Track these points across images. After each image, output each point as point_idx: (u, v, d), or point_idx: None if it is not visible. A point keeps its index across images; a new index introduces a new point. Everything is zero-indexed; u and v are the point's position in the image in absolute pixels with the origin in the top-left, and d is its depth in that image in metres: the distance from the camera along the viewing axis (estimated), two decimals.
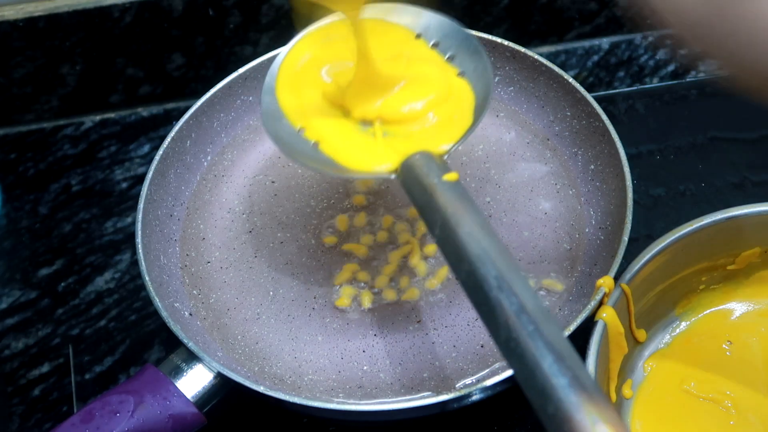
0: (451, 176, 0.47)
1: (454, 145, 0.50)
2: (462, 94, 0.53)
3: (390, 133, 0.52)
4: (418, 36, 0.55)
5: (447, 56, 0.55)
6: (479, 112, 0.52)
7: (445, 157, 0.50)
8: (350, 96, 0.52)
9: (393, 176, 0.50)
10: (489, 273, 0.42)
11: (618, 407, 0.54)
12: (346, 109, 0.52)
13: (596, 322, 0.51)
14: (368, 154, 0.51)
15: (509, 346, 0.40)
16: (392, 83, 0.52)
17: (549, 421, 0.38)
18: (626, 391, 0.54)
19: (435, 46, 0.55)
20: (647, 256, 0.53)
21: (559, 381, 0.38)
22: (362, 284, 0.59)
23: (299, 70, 0.55)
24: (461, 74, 0.54)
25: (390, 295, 0.58)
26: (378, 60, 0.51)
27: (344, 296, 0.58)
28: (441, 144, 0.50)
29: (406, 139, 0.51)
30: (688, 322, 0.58)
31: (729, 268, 0.57)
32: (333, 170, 0.51)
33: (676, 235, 0.54)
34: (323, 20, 0.56)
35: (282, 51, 0.56)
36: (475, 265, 0.43)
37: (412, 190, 0.48)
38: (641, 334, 0.56)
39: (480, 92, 0.53)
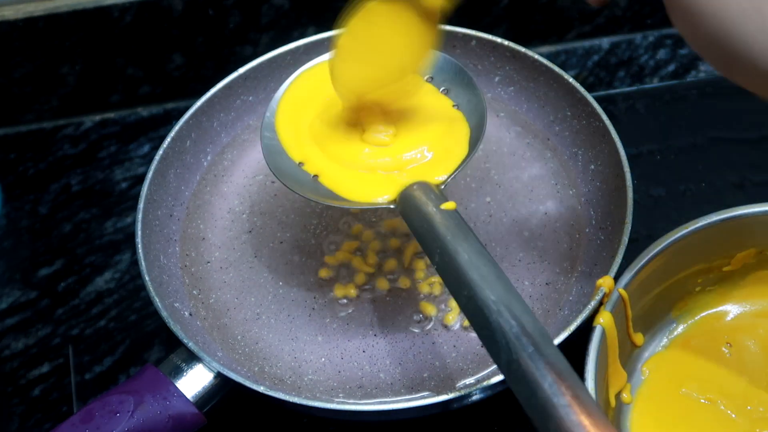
0: (448, 205, 0.49)
1: (450, 176, 0.52)
2: (458, 126, 0.55)
3: (388, 164, 0.53)
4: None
5: (441, 89, 0.57)
6: (474, 143, 0.54)
7: (442, 187, 0.52)
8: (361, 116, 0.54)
9: (393, 206, 0.51)
10: (488, 297, 0.44)
11: (617, 412, 0.54)
12: (353, 124, 0.54)
13: (594, 327, 0.51)
14: (367, 186, 0.52)
15: (510, 368, 0.42)
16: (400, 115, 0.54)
17: None
18: (624, 395, 0.54)
19: (430, 80, 0.57)
20: (644, 260, 0.53)
21: (559, 400, 0.40)
22: (365, 286, 0.59)
23: (298, 105, 0.56)
24: (456, 106, 0.56)
25: (385, 285, 0.58)
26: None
27: (344, 292, 0.59)
28: (438, 174, 0.52)
29: (406, 161, 0.53)
30: (685, 325, 0.58)
31: (725, 269, 0.57)
32: (333, 202, 0.52)
33: (672, 237, 0.54)
34: (321, 58, 0.58)
35: (282, 86, 0.57)
36: (475, 290, 0.45)
37: (411, 219, 0.50)
38: (639, 338, 0.56)
39: (474, 124, 0.55)
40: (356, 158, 0.53)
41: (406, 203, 0.51)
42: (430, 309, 0.58)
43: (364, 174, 0.53)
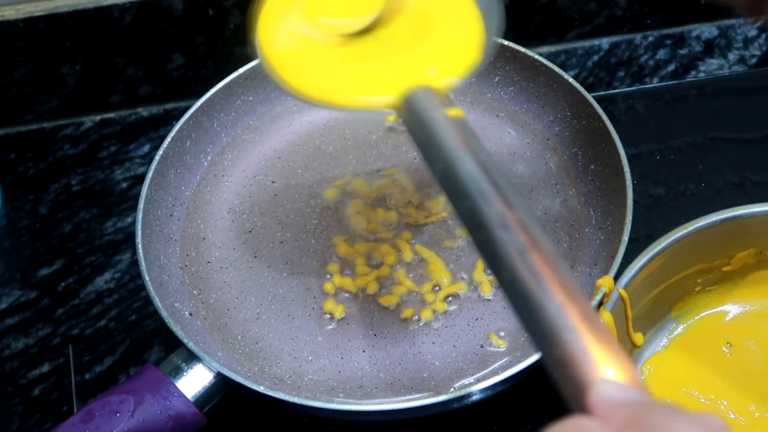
0: (455, 111, 0.45)
1: (459, 81, 0.48)
2: (472, 21, 0.50)
3: (389, 44, 0.49)
4: None
5: None
6: (486, 50, 0.49)
7: (450, 93, 0.47)
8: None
9: (392, 111, 0.48)
10: (494, 211, 0.40)
11: None
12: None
13: None
14: (367, 85, 0.48)
15: (514, 287, 0.38)
16: None
17: (555, 366, 0.35)
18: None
19: None
20: (644, 260, 0.53)
21: (566, 324, 0.35)
22: (364, 286, 0.59)
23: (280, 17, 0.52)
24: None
25: (389, 299, 0.59)
26: None
27: (337, 299, 0.59)
28: (445, 77, 0.48)
29: (407, 58, 0.48)
30: (684, 325, 0.58)
31: (724, 269, 0.57)
32: (328, 102, 0.48)
33: (672, 237, 0.54)
34: None
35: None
36: (477, 201, 0.41)
37: (412, 125, 0.46)
38: (638, 338, 0.56)
39: (489, 29, 0.50)
40: (351, 59, 0.49)
41: (408, 108, 0.46)
42: (430, 309, 0.58)
43: (360, 75, 0.48)
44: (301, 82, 0.49)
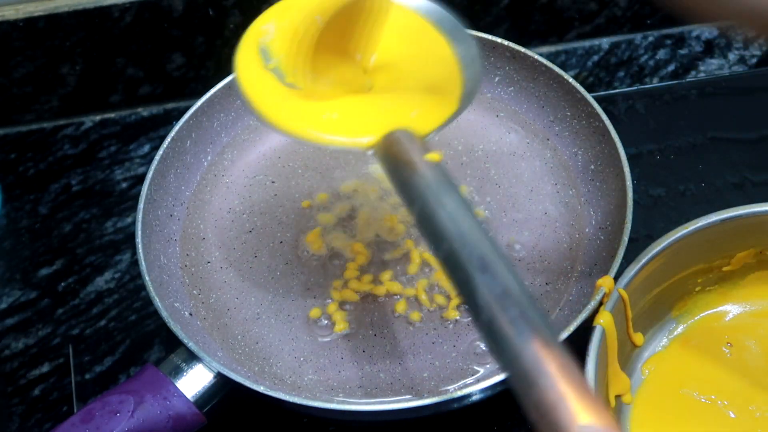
0: (433, 156, 0.45)
1: (437, 128, 0.49)
2: (451, 75, 0.51)
3: (375, 91, 0.50)
4: None
5: None
6: (466, 100, 0.50)
7: (427, 139, 0.48)
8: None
9: (371, 152, 0.48)
10: (472, 254, 0.41)
11: (617, 412, 0.54)
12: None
13: (594, 327, 0.51)
14: (347, 124, 0.49)
15: (491, 330, 0.39)
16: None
17: (532, 408, 0.37)
18: (624, 395, 0.54)
19: None
20: (644, 260, 0.53)
21: (543, 369, 0.37)
22: (364, 286, 0.59)
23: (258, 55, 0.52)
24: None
25: (386, 290, 0.59)
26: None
27: (342, 295, 0.59)
28: (424, 124, 0.48)
29: (390, 106, 0.49)
30: (684, 325, 0.58)
31: (724, 269, 0.57)
32: (310, 137, 0.49)
33: (672, 238, 0.54)
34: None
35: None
36: (457, 244, 0.41)
37: (390, 166, 0.47)
38: (638, 338, 0.56)
39: (468, 80, 0.51)
40: (331, 106, 0.49)
41: (386, 149, 0.47)
42: (430, 309, 0.58)
43: (341, 117, 0.49)
44: (278, 116, 0.49)
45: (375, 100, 0.50)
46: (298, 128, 0.49)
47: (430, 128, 0.48)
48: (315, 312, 0.58)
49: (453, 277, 0.42)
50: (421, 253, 0.60)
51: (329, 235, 0.61)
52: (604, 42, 0.76)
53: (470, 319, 0.57)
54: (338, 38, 0.50)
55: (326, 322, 0.58)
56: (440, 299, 0.58)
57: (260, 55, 0.51)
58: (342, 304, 0.58)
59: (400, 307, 0.58)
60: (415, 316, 0.58)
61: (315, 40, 0.49)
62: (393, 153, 0.46)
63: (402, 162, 0.46)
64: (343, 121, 0.49)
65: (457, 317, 0.57)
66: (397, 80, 0.51)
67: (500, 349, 0.39)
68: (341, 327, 0.58)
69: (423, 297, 0.58)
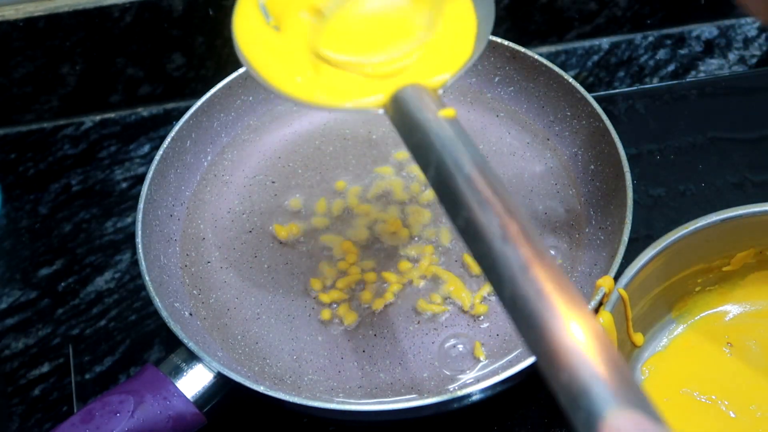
0: (447, 112, 0.42)
1: (450, 78, 0.45)
2: (466, 14, 0.47)
3: (377, 38, 0.47)
4: None
5: None
6: (480, 43, 0.46)
7: (441, 91, 0.45)
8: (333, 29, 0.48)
9: (381, 111, 0.45)
10: (492, 221, 0.37)
11: None
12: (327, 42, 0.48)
13: None
14: (351, 87, 0.46)
15: (515, 304, 0.35)
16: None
17: (562, 391, 0.33)
18: None
19: None
20: (644, 260, 0.53)
21: (574, 346, 0.33)
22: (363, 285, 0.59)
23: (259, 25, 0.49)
24: None
25: (386, 290, 0.59)
26: None
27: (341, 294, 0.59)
28: (435, 75, 0.45)
29: (398, 59, 0.46)
30: (684, 325, 0.58)
31: (724, 269, 0.57)
32: (315, 101, 0.46)
33: (672, 237, 0.54)
34: None
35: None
36: (476, 212, 0.38)
37: (403, 127, 0.43)
38: (638, 338, 0.56)
39: (482, 19, 0.47)
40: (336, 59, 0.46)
41: (397, 108, 0.43)
42: (431, 308, 0.58)
43: (347, 74, 0.46)
44: (284, 82, 0.47)
45: (381, 54, 0.46)
46: (304, 94, 0.46)
47: (443, 80, 0.45)
48: (315, 312, 0.58)
49: (472, 248, 0.39)
50: (422, 253, 0.60)
51: (330, 236, 0.61)
52: (604, 42, 0.76)
53: (470, 319, 0.57)
54: None
55: (326, 322, 0.58)
56: (441, 300, 0.58)
57: (260, 12, 0.48)
58: (342, 304, 0.58)
59: (401, 307, 0.58)
60: (416, 316, 0.58)
61: None
62: (404, 112, 0.43)
63: (414, 121, 0.42)
64: (349, 81, 0.46)
65: (457, 318, 0.57)
66: (405, 23, 0.47)
67: (526, 326, 0.35)
68: (341, 327, 0.58)
69: (424, 297, 0.58)
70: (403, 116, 0.43)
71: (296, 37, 0.48)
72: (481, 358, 0.56)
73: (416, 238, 0.61)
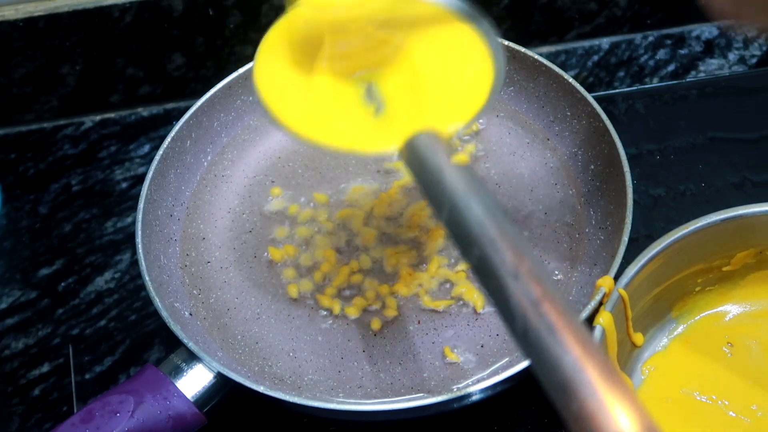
0: (460, 158, 0.45)
1: (463, 126, 0.48)
2: (479, 66, 0.49)
3: (394, 100, 0.48)
4: None
5: None
6: (494, 91, 0.48)
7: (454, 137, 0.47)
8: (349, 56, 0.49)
9: (395, 155, 0.47)
10: (504, 260, 0.40)
11: None
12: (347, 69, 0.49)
13: (594, 327, 0.51)
14: (370, 133, 0.48)
15: (528, 339, 0.38)
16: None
17: (572, 419, 0.36)
18: None
19: None
20: (644, 260, 0.53)
21: (582, 377, 0.36)
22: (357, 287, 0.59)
23: (281, 59, 0.51)
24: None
25: (387, 290, 0.59)
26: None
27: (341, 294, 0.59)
28: (450, 123, 0.47)
29: (412, 111, 0.48)
30: (684, 325, 0.58)
31: (724, 269, 0.57)
32: (335, 148, 0.48)
33: (672, 237, 0.54)
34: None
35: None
36: (488, 250, 0.40)
37: (416, 169, 0.46)
38: (638, 338, 0.56)
39: (497, 70, 0.49)
40: (352, 104, 0.48)
41: (411, 152, 0.45)
42: (431, 308, 0.58)
43: (364, 119, 0.48)
44: (301, 125, 0.48)
45: (397, 101, 0.48)
46: (321, 137, 0.48)
47: (455, 127, 0.47)
48: (315, 312, 0.58)
49: (485, 283, 0.41)
50: (429, 253, 0.60)
51: (330, 236, 0.61)
52: (604, 42, 0.76)
53: (470, 319, 0.57)
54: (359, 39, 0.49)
55: (326, 321, 0.58)
56: (441, 300, 0.58)
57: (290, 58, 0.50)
58: (342, 305, 0.58)
59: (400, 307, 0.58)
60: (416, 316, 0.58)
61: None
62: (419, 156, 0.45)
63: (428, 167, 0.45)
64: (365, 126, 0.48)
65: (457, 318, 0.57)
66: (420, 77, 0.49)
67: (538, 358, 0.37)
68: (341, 327, 0.58)
69: (425, 298, 0.58)
70: (417, 160, 0.45)
71: (321, 83, 0.49)
72: (481, 359, 0.56)
73: (421, 238, 0.60)
